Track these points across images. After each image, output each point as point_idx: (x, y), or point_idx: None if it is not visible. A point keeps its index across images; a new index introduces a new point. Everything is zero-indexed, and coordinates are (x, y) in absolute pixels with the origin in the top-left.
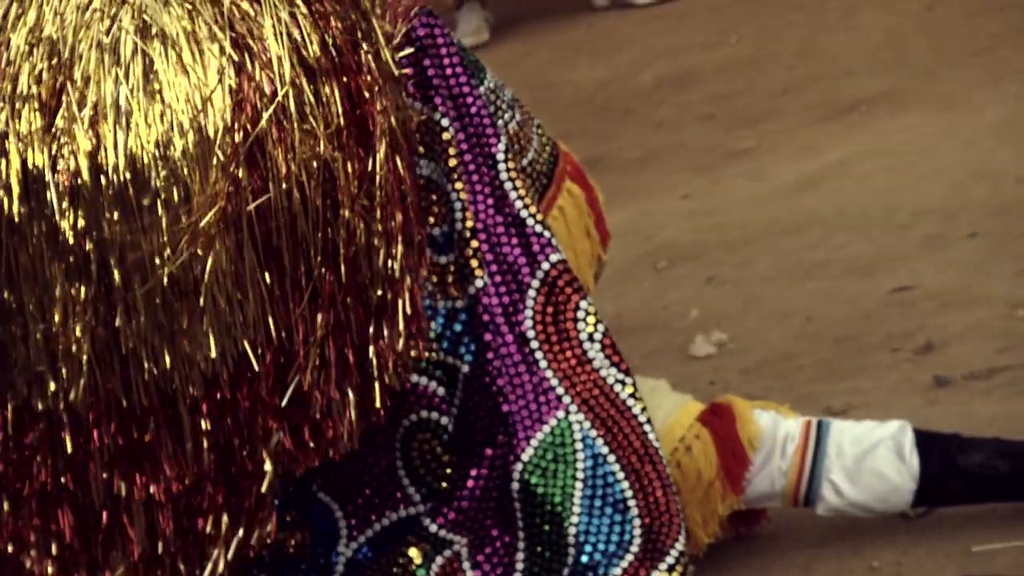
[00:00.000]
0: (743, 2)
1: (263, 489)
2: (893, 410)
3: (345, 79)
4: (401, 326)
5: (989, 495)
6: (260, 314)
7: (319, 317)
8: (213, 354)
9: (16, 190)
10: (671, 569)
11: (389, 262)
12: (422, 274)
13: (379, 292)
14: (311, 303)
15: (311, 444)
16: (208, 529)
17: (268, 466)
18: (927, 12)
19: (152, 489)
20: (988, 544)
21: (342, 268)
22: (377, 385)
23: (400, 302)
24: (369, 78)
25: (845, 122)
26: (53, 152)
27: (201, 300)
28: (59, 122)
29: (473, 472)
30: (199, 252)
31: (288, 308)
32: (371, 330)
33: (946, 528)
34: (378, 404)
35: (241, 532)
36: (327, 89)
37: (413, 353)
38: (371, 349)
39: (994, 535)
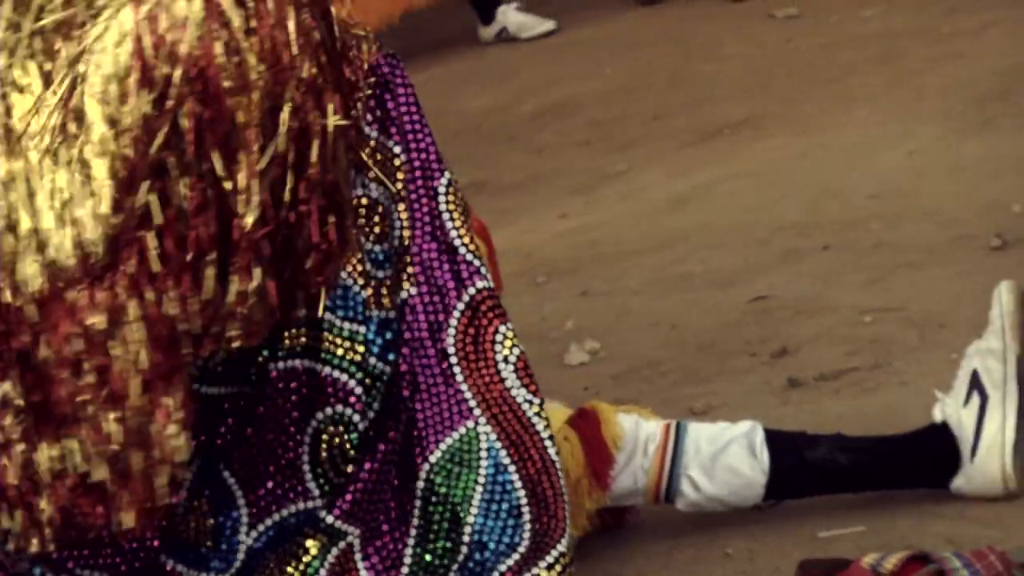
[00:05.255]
0: (618, 37)
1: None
2: (750, 410)
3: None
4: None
5: (832, 486)
6: None
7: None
8: None
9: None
10: (550, 567)
11: None
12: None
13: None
14: None
15: None
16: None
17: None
18: (785, 43)
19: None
20: (832, 531)
21: None
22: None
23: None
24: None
25: (710, 146)
26: None
27: None
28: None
29: (367, 465)
30: None
31: None
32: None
33: (794, 517)
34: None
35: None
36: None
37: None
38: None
39: (837, 522)
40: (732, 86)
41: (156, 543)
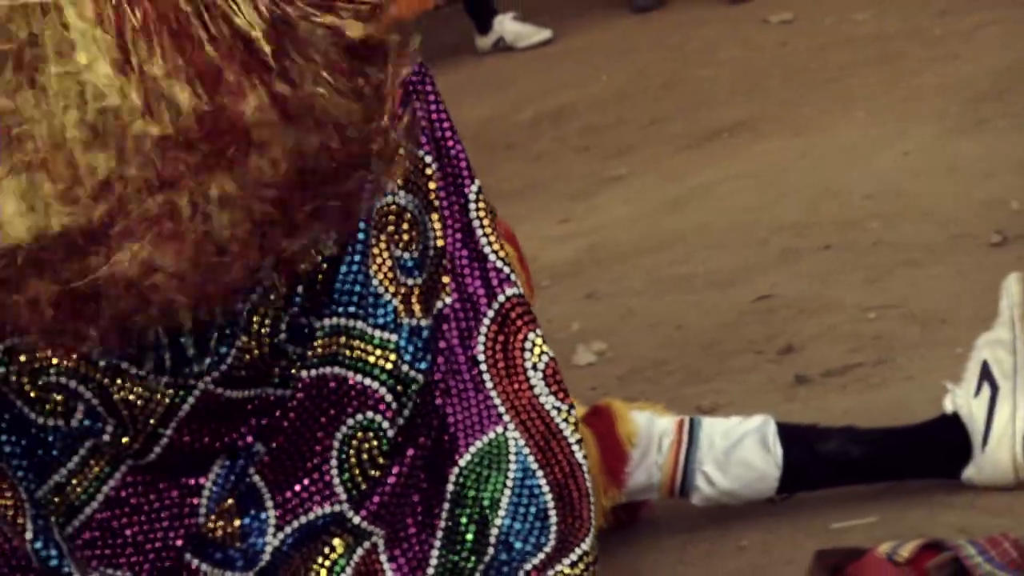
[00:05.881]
0: (613, 44)
1: None
2: (757, 407)
3: None
4: None
5: (844, 478)
6: None
7: None
8: None
9: None
10: (574, 565)
11: None
12: None
13: None
14: None
15: None
16: None
17: None
18: (780, 47)
19: None
20: (845, 521)
21: None
22: None
23: None
24: None
25: (708, 149)
26: None
27: None
28: None
29: (395, 469)
30: None
31: None
32: None
33: (807, 509)
34: None
35: None
36: None
37: None
38: None
39: (849, 513)
40: (728, 90)
41: (180, 542)
